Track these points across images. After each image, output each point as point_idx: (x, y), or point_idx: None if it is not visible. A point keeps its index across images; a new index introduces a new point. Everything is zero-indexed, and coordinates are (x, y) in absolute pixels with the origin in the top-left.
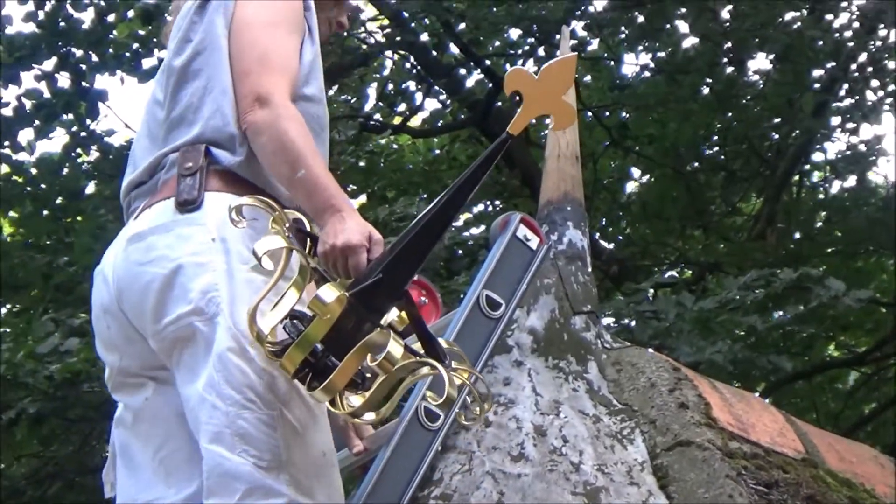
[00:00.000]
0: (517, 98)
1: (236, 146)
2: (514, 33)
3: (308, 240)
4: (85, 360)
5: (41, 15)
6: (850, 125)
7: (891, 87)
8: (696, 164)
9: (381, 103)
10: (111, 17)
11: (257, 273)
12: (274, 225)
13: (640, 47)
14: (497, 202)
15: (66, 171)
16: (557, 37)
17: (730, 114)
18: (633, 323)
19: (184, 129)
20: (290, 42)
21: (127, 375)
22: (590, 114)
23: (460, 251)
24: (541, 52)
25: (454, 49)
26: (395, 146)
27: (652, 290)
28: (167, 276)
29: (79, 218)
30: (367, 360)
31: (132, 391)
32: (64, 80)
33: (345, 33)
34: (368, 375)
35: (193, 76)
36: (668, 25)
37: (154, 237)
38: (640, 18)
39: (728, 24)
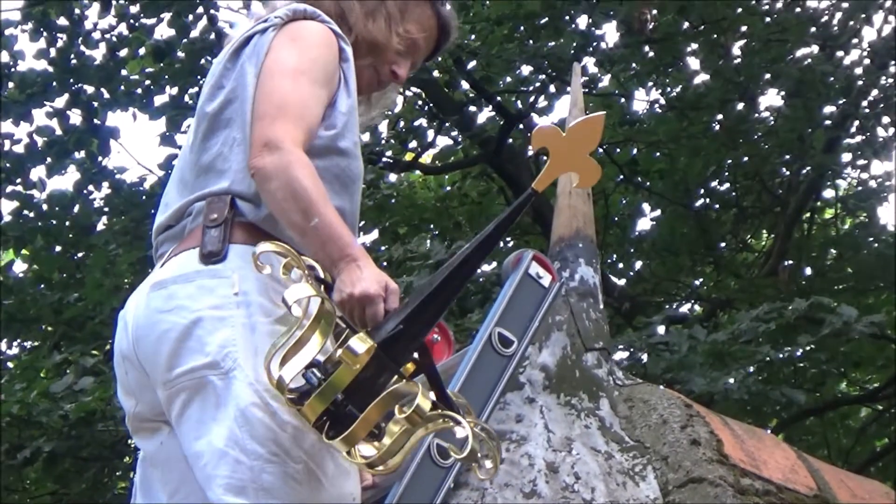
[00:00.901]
0: (544, 157)
1: (262, 200)
2: (526, 69)
3: (322, 288)
4: (100, 399)
5: (53, 52)
6: (860, 162)
7: None
8: (707, 200)
9: (392, 140)
10: (123, 53)
11: (281, 325)
12: (298, 271)
13: (651, 83)
14: (509, 239)
15: (77, 207)
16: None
17: (741, 150)
18: (646, 357)
19: (212, 178)
20: (313, 91)
21: (142, 420)
22: (601, 150)
23: (472, 288)
24: (552, 88)
25: (465, 85)
26: (406, 182)
27: (664, 328)
28: (186, 326)
29: (90, 254)
30: (396, 412)
31: (148, 435)
32: (76, 117)
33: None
34: (383, 425)
35: (224, 125)
36: (680, 62)
37: (176, 286)
38: (651, 54)
39: (739, 59)
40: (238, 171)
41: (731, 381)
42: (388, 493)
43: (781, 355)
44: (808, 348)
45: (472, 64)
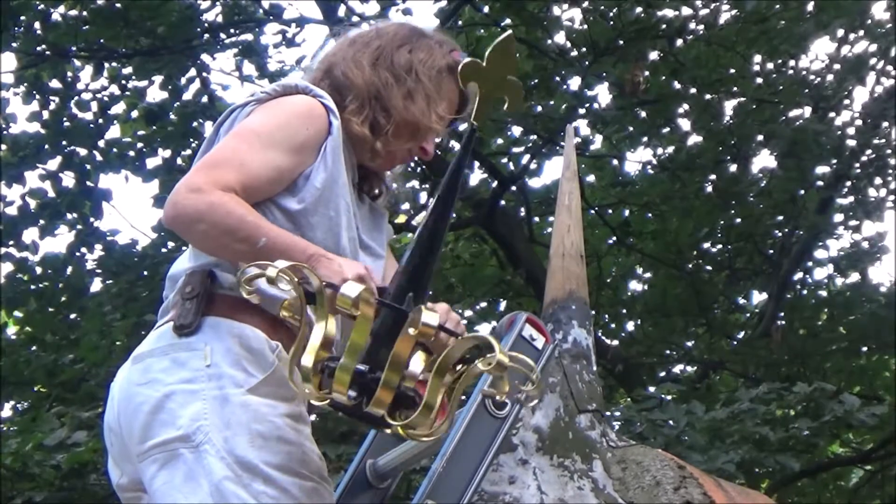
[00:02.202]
0: (474, 90)
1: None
2: (517, 130)
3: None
4: (92, 450)
5: (45, 114)
6: (852, 222)
7: (893, 185)
8: (700, 261)
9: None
10: (115, 110)
11: (254, 396)
12: (283, 275)
13: (643, 144)
14: (502, 301)
15: (70, 269)
16: (561, 133)
17: (733, 211)
18: (643, 429)
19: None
20: (263, 153)
21: (124, 491)
22: (593, 212)
23: None
24: (544, 149)
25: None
26: (399, 244)
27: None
28: (159, 399)
29: (83, 315)
30: (419, 362)
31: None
32: (68, 179)
33: None
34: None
35: None
36: (672, 123)
37: (151, 359)
38: (643, 115)
39: (731, 120)
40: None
41: (730, 461)
42: (444, 442)
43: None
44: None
45: (463, 126)
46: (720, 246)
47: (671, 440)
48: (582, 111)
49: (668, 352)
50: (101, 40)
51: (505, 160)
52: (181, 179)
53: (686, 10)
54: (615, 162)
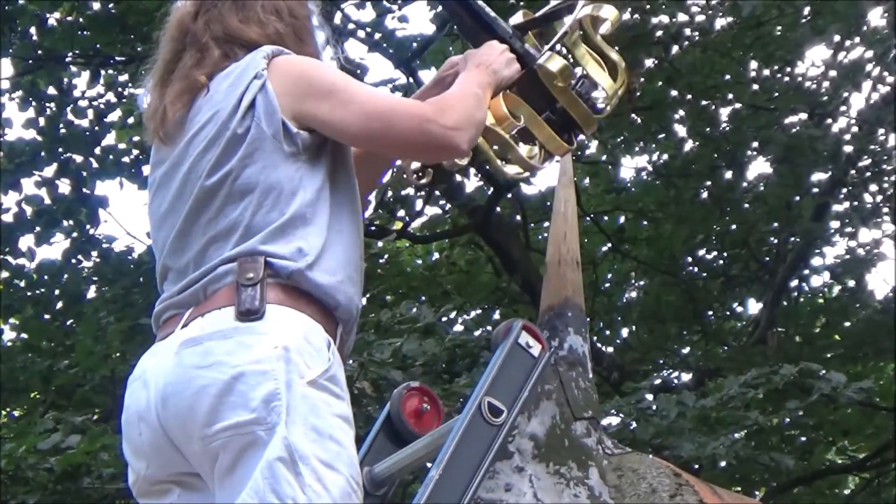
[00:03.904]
0: None
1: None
2: None
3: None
4: (85, 452)
5: (42, 121)
6: (848, 229)
7: (889, 191)
8: (695, 268)
9: (381, 210)
10: (110, 117)
11: (313, 389)
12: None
13: (638, 150)
14: (498, 308)
15: (66, 276)
16: None
17: (728, 218)
18: (634, 423)
19: (232, 242)
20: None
21: (153, 483)
22: (588, 218)
23: (460, 353)
24: None
25: None
26: (395, 249)
27: (651, 396)
28: (227, 381)
29: (79, 322)
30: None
31: (157, 497)
32: (64, 186)
33: None
34: None
35: (243, 193)
36: (667, 129)
37: (212, 342)
38: (639, 122)
39: (727, 126)
40: (269, 232)
41: (720, 445)
42: (440, 451)
43: (771, 422)
44: (796, 414)
45: None
46: (715, 252)
47: (662, 430)
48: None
49: (662, 360)
50: (98, 46)
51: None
52: (406, 125)
53: (681, 17)
54: (610, 168)
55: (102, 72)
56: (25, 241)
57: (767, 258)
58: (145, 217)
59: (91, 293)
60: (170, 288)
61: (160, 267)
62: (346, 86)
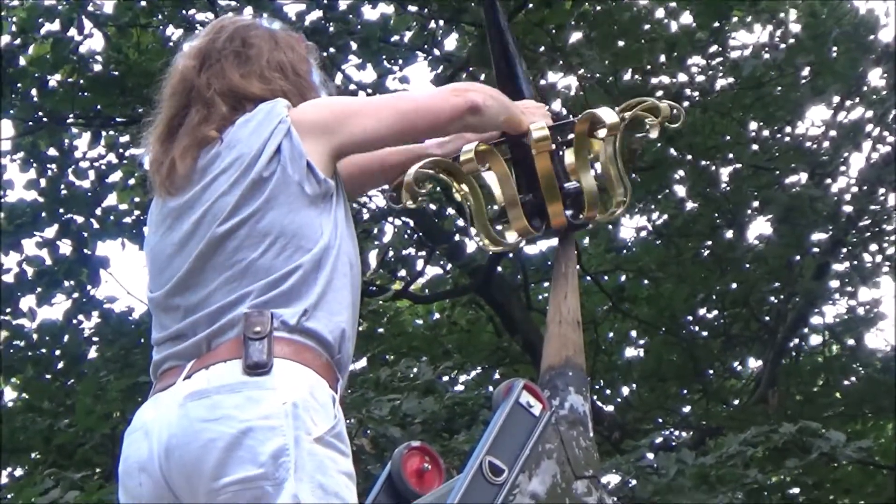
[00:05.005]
0: None
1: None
2: None
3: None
4: None
5: (42, 182)
6: (848, 288)
7: (889, 251)
8: (695, 327)
9: (382, 270)
10: (111, 178)
11: (320, 446)
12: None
13: (638, 210)
14: (498, 368)
15: (67, 337)
16: None
17: (729, 277)
18: (634, 481)
19: (236, 290)
20: None
21: None
22: (589, 278)
23: (459, 411)
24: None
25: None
26: (395, 309)
27: (651, 455)
28: (235, 435)
29: (80, 382)
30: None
31: None
32: (65, 247)
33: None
34: None
35: (253, 240)
36: (667, 189)
37: (220, 396)
38: (639, 181)
39: (727, 186)
40: (271, 281)
41: (718, 501)
42: None
43: (770, 480)
44: (796, 472)
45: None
46: (716, 312)
47: (661, 487)
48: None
49: (663, 419)
50: (98, 107)
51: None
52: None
53: (682, 77)
54: (611, 227)
55: (103, 133)
56: (26, 302)
57: (768, 317)
58: (145, 277)
59: (92, 353)
60: (171, 324)
61: (160, 302)
62: (366, 101)
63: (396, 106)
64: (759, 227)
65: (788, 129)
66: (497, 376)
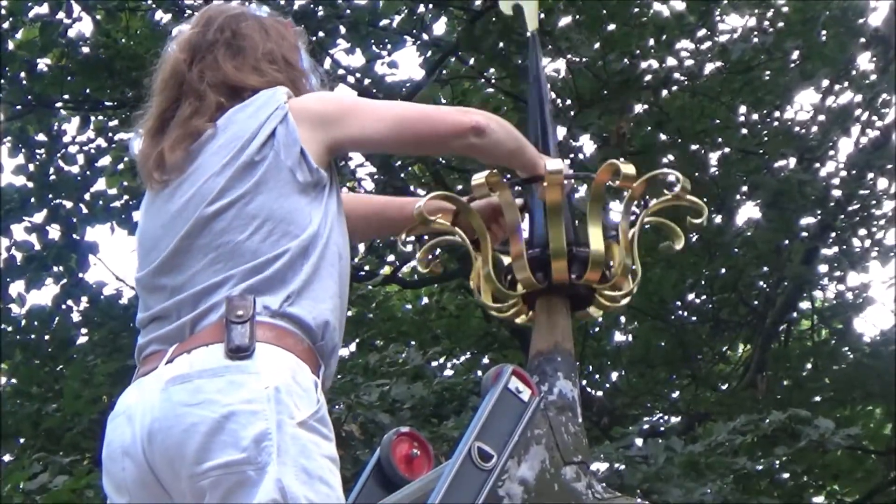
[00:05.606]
0: None
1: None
2: None
3: None
4: (70, 490)
5: (31, 167)
6: (837, 273)
7: (878, 235)
8: (684, 312)
9: (370, 255)
10: (100, 163)
11: (302, 430)
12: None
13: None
14: (487, 354)
15: (56, 321)
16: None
17: (718, 262)
18: (623, 467)
19: (221, 272)
20: None
21: None
22: None
23: (447, 396)
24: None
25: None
26: (384, 294)
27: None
28: (217, 420)
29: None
30: None
31: None
32: (54, 232)
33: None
34: None
35: (242, 224)
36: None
37: (202, 380)
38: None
39: (716, 171)
40: (257, 265)
41: (708, 491)
42: (430, 496)
43: (759, 467)
44: (784, 459)
45: (451, 175)
46: (705, 297)
47: (650, 475)
48: (567, 161)
49: (651, 404)
50: (87, 91)
51: None
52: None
53: (670, 62)
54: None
55: (92, 117)
56: (15, 287)
57: (756, 302)
58: (134, 261)
59: (81, 339)
60: (155, 304)
61: (147, 282)
62: (372, 102)
63: (400, 111)
64: (748, 212)
65: (777, 114)
66: (486, 361)
